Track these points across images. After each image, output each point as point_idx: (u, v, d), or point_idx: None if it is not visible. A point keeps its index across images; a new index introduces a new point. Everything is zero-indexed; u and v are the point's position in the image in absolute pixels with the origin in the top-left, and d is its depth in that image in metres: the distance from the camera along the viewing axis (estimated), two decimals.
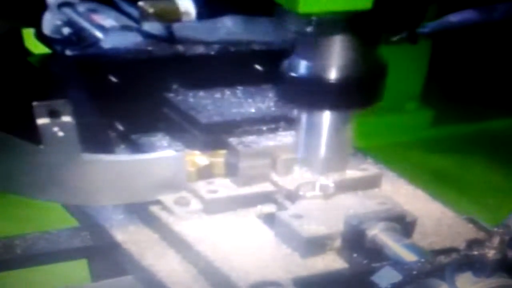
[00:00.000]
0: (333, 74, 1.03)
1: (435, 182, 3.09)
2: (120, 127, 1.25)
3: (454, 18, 1.28)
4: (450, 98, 3.87)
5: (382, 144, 2.80)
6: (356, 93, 1.05)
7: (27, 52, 1.26)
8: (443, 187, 3.07)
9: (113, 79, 1.22)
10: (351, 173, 1.17)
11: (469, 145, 3.60)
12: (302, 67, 1.05)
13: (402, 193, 1.21)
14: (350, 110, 1.09)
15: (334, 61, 1.02)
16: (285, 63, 1.07)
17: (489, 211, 2.69)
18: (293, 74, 1.04)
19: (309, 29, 0.96)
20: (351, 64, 1.02)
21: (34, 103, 1.01)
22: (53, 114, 1.01)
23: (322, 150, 1.11)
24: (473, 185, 3.29)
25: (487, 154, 3.50)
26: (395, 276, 0.89)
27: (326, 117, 1.08)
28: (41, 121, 1.01)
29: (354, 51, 1.02)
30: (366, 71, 1.04)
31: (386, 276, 0.90)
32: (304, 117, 1.12)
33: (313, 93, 1.04)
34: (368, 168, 1.20)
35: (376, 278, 0.91)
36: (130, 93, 1.23)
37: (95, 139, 1.17)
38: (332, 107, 1.07)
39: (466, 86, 3.90)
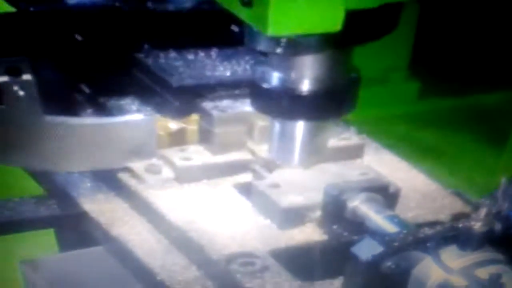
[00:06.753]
0: (305, 86, 1.00)
1: (422, 157, 3.07)
2: (87, 90, 1.22)
3: None
4: (438, 70, 3.86)
5: (367, 117, 2.76)
6: (329, 104, 1.02)
7: None
8: (429, 163, 3.05)
9: (79, 37, 1.19)
10: (333, 142, 1.14)
11: (457, 119, 3.60)
12: (275, 78, 1.02)
13: (385, 164, 1.18)
14: (322, 120, 1.05)
15: (306, 75, 1.00)
16: (258, 72, 1.04)
17: (476, 188, 2.68)
18: (265, 86, 1.02)
19: (278, 50, 0.94)
20: (323, 78, 1.00)
21: None
22: (13, 71, 1.00)
23: (296, 156, 1.07)
24: (461, 162, 3.29)
25: (476, 129, 3.50)
26: (376, 248, 0.86)
27: (300, 126, 1.05)
28: (0, 79, 1.00)
29: (325, 65, 0.99)
30: (338, 84, 1.01)
31: (366, 247, 0.87)
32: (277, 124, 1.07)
33: (285, 105, 1.02)
34: (350, 138, 1.19)
35: (355, 249, 0.87)
36: (97, 53, 1.20)
37: (61, 102, 1.15)
38: (305, 117, 1.03)
39: (455, 58, 3.89)
